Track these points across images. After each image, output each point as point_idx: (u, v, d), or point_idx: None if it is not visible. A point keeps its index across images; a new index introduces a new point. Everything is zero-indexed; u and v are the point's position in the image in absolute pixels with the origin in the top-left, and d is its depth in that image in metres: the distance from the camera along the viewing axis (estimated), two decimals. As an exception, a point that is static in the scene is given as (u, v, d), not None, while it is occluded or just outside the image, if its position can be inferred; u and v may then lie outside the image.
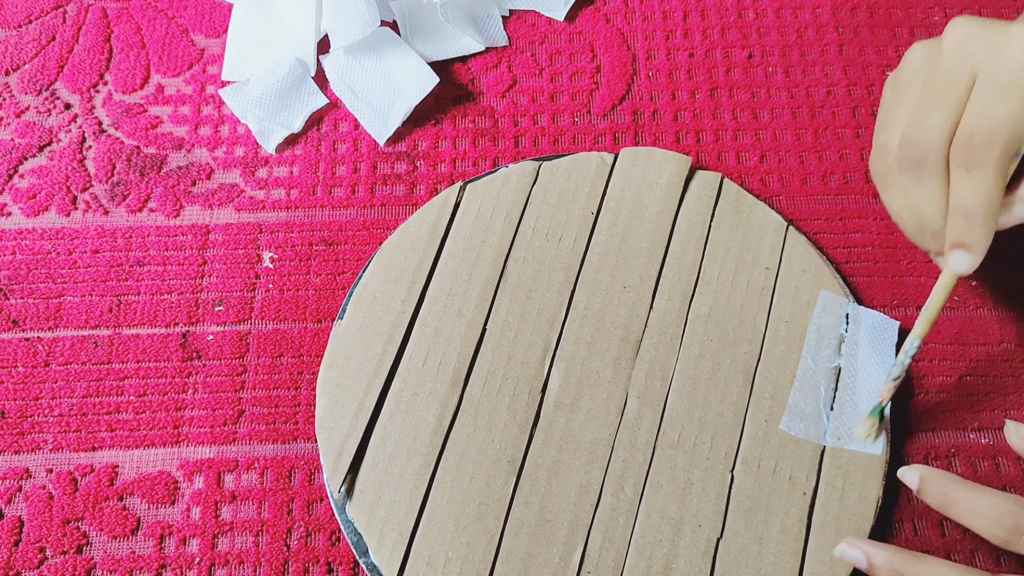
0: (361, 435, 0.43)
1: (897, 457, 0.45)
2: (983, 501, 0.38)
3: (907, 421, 0.46)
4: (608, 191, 0.49)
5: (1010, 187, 0.37)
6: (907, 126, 0.37)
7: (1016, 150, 0.35)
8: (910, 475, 0.41)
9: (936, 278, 0.41)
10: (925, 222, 0.38)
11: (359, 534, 0.41)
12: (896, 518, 0.44)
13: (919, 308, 0.48)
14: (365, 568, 0.41)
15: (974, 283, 0.49)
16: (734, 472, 0.43)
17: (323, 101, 0.53)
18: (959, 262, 0.37)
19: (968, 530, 0.43)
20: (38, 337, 0.47)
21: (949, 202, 0.37)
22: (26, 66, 0.54)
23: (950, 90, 0.35)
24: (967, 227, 0.36)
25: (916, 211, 0.38)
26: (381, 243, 0.48)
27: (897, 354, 0.44)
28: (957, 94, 0.35)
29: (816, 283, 0.47)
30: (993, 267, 0.50)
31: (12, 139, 0.52)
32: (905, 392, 0.46)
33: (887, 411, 0.44)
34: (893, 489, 0.44)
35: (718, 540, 0.42)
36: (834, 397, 0.45)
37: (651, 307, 0.47)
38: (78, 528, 0.43)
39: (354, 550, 0.41)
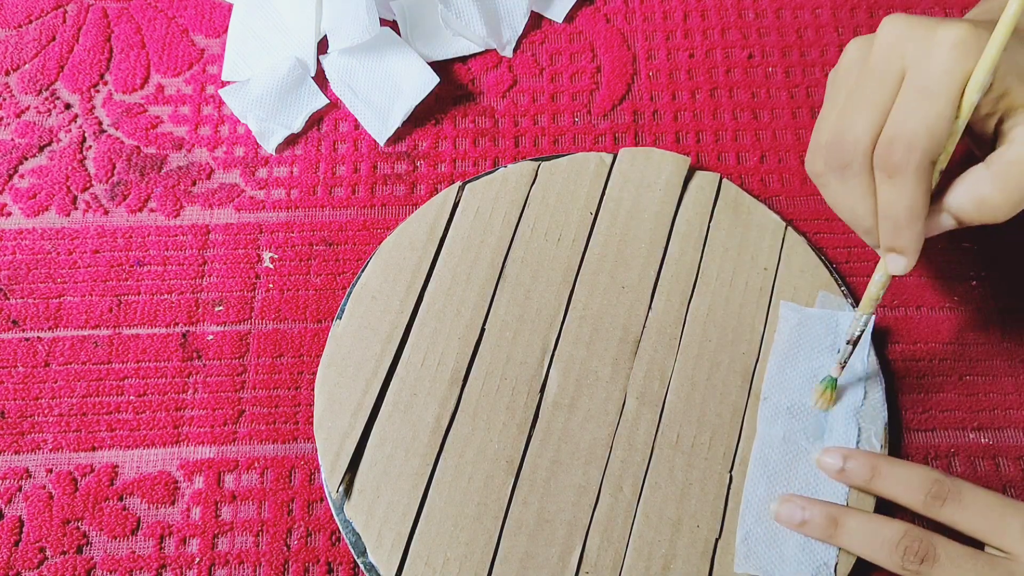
0: (359, 435, 0.43)
1: (896, 456, 0.45)
2: (905, 470, 0.40)
3: (907, 421, 0.46)
4: (607, 191, 0.49)
5: (936, 197, 0.36)
6: (834, 127, 0.36)
7: (939, 155, 0.34)
8: (828, 459, 0.42)
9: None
10: (857, 221, 0.38)
11: (357, 534, 0.42)
12: (896, 519, 0.44)
13: (919, 308, 0.49)
14: (363, 568, 0.41)
15: (974, 283, 0.49)
16: (732, 472, 0.43)
17: (323, 101, 0.53)
18: (895, 264, 0.37)
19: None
20: (38, 337, 0.47)
21: (877, 205, 0.37)
22: (26, 66, 0.54)
23: (877, 91, 0.35)
24: (895, 232, 0.36)
25: (848, 210, 0.38)
26: (381, 243, 0.48)
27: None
28: (884, 96, 0.35)
29: (815, 283, 0.47)
30: (993, 267, 0.50)
31: (12, 139, 0.52)
32: (905, 392, 0.46)
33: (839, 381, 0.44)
34: (892, 489, 0.44)
35: (716, 540, 0.42)
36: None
37: (650, 307, 0.47)
38: (78, 528, 0.43)
39: (352, 550, 0.41)
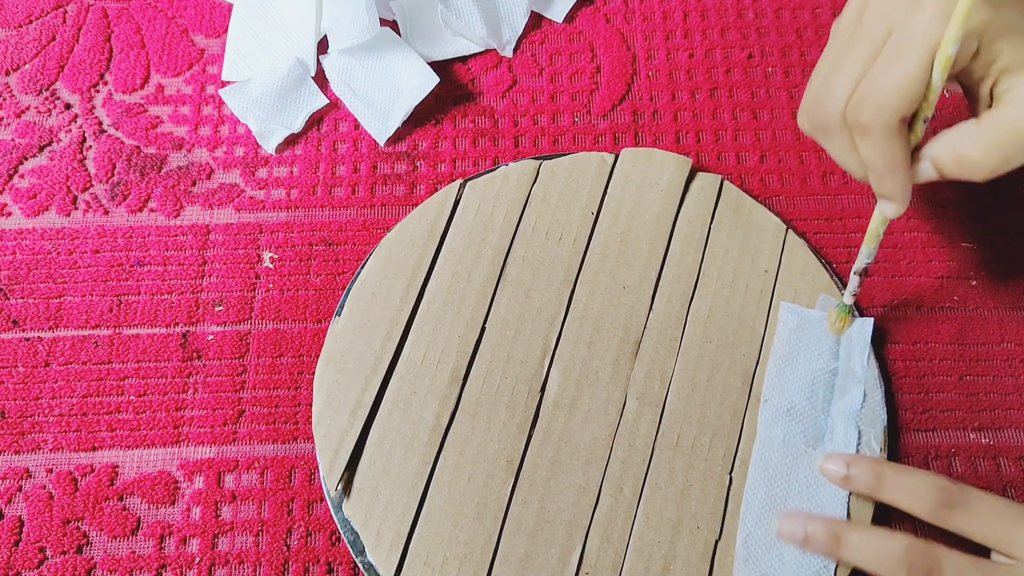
0: (359, 433, 0.43)
1: (897, 457, 0.45)
2: (912, 478, 0.39)
3: (907, 422, 0.46)
4: (608, 191, 0.49)
5: (923, 146, 0.37)
6: (817, 87, 0.37)
7: (911, 111, 0.35)
8: (832, 466, 0.42)
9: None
10: (849, 171, 0.39)
11: (356, 533, 0.41)
12: (896, 517, 0.44)
13: (919, 308, 0.49)
14: (362, 567, 0.41)
15: (974, 283, 0.49)
16: (732, 474, 0.43)
17: (323, 101, 0.53)
18: (887, 209, 0.38)
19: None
20: (38, 337, 0.47)
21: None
22: (26, 66, 0.54)
23: (859, 53, 0.35)
24: (880, 182, 0.37)
25: (839, 162, 0.39)
26: (381, 241, 0.48)
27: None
28: (864, 58, 0.35)
29: (815, 286, 0.47)
30: (993, 267, 0.50)
31: (12, 139, 0.52)
32: (905, 392, 0.46)
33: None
34: (892, 489, 0.44)
35: (716, 542, 0.42)
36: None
37: (651, 308, 0.47)
38: (78, 528, 0.43)
39: (351, 549, 0.41)
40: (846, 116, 0.36)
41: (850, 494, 0.42)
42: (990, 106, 0.36)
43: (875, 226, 0.41)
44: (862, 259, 0.43)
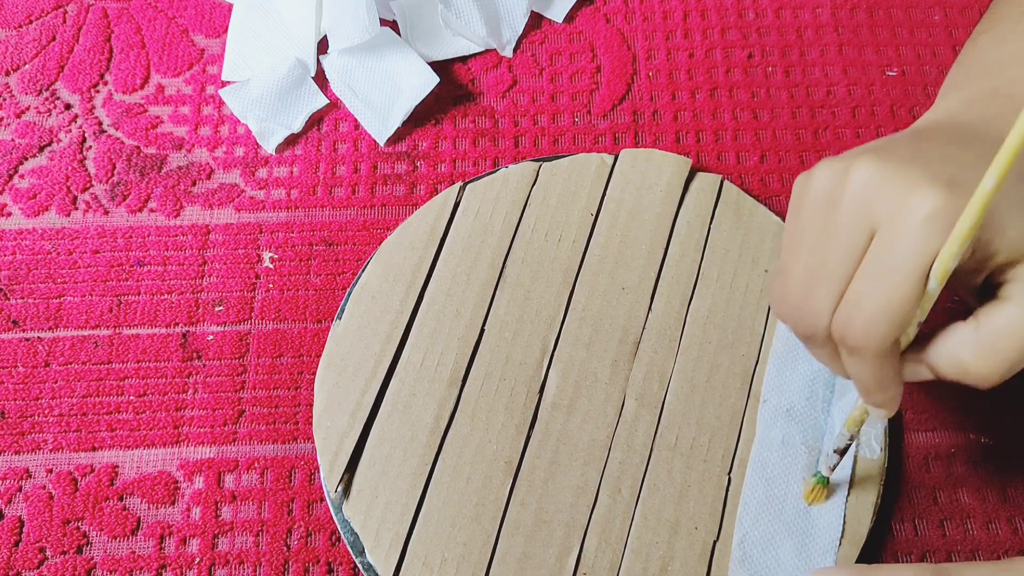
0: (358, 434, 0.43)
1: (897, 457, 0.45)
2: (897, 574, 0.36)
3: (907, 421, 0.46)
4: (608, 192, 0.49)
5: (918, 344, 0.33)
6: (800, 288, 0.33)
7: (903, 331, 0.31)
8: None
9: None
10: (836, 372, 0.35)
11: (355, 533, 0.42)
12: (896, 518, 0.44)
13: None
14: (361, 568, 0.41)
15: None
16: (731, 475, 0.43)
17: (323, 101, 0.53)
18: (875, 413, 0.35)
19: (969, 530, 0.43)
20: (38, 337, 0.47)
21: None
22: (26, 66, 0.54)
23: (842, 251, 0.31)
24: (868, 395, 0.33)
25: (823, 364, 0.35)
26: (381, 243, 0.48)
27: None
28: (849, 259, 0.31)
29: (815, 284, 0.47)
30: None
31: (12, 139, 0.52)
32: (905, 392, 0.46)
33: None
34: (893, 490, 0.44)
35: (714, 542, 0.42)
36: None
37: (650, 309, 0.47)
38: (78, 528, 0.43)
39: (350, 550, 0.42)
40: (831, 331, 0.32)
41: (848, 496, 0.42)
42: (983, 295, 0.32)
43: (858, 414, 0.37)
44: (842, 439, 0.39)
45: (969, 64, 0.40)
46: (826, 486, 0.42)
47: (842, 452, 0.40)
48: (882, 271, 0.30)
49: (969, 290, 0.32)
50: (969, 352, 0.31)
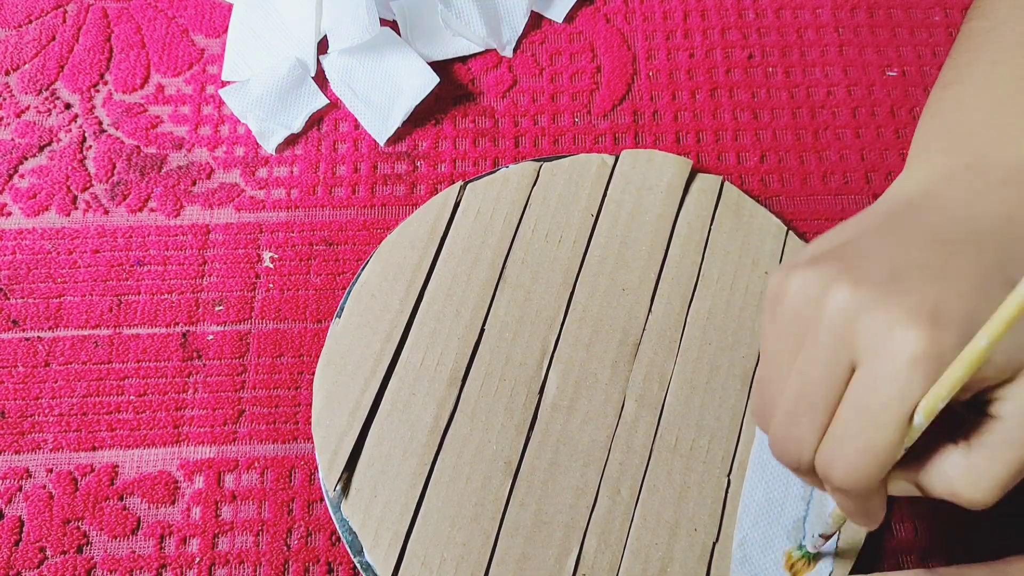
0: (357, 434, 0.43)
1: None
2: None
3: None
4: (608, 193, 0.49)
5: (909, 460, 0.31)
6: (782, 420, 0.31)
7: (887, 469, 0.29)
8: None
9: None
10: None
11: (354, 533, 0.42)
12: (896, 519, 0.44)
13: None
14: (360, 568, 0.41)
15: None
16: (731, 476, 0.43)
17: (323, 101, 0.53)
18: (862, 528, 0.34)
19: (969, 530, 0.43)
20: (38, 337, 0.47)
21: None
22: (26, 66, 0.54)
23: (823, 380, 0.30)
24: (852, 518, 0.32)
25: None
26: (381, 243, 0.48)
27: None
28: (831, 393, 0.29)
29: (815, 285, 0.47)
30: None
31: (12, 139, 0.52)
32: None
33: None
34: (891, 491, 0.44)
35: (714, 544, 0.42)
36: None
37: (650, 310, 0.47)
38: (78, 528, 0.43)
39: (349, 549, 0.42)
40: (815, 465, 0.31)
41: None
42: (972, 407, 0.30)
43: (841, 514, 0.36)
44: (830, 528, 0.38)
45: (942, 120, 0.38)
46: (811, 561, 0.40)
47: (827, 537, 0.39)
48: (865, 414, 0.28)
49: (952, 412, 0.30)
50: (960, 476, 0.30)
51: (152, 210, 0.50)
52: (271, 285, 0.49)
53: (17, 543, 0.43)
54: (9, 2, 0.56)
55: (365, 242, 0.50)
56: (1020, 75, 0.37)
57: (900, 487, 0.31)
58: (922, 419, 0.28)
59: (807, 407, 0.30)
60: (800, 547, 0.41)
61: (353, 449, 0.43)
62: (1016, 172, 0.33)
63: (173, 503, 0.44)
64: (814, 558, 0.41)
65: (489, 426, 0.44)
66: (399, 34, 0.55)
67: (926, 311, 0.27)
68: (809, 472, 0.31)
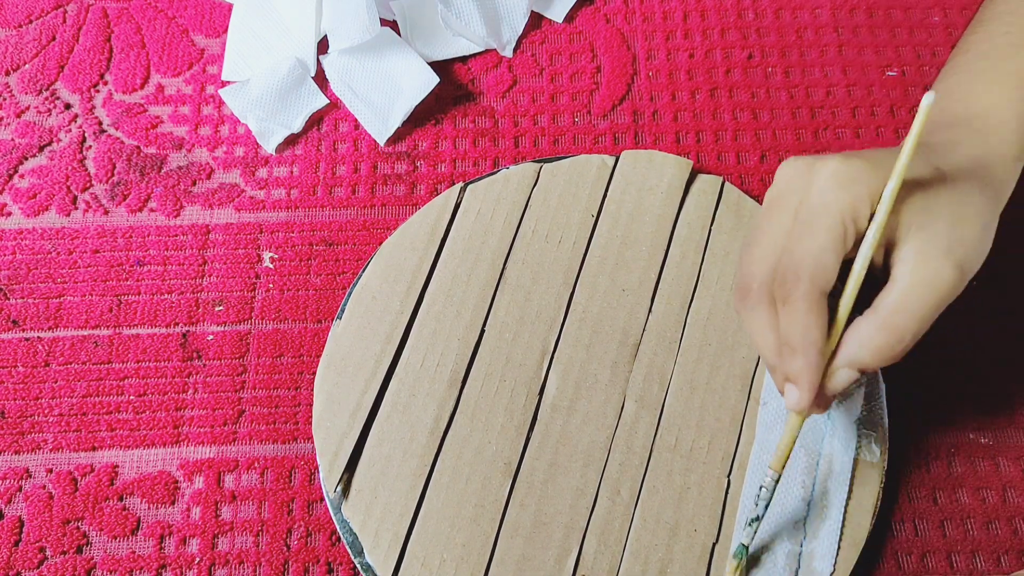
0: (358, 435, 0.43)
1: (897, 457, 0.45)
2: None
3: (907, 421, 0.46)
4: (608, 194, 0.49)
5: (833, 355, 0.36)
6: (743, 262, 0.37)
7: (829, 283, 0.34)
8: None
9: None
10: (764, 356, 0.37)
11: (354, 533, 0.42)
12: (896, 519, 0.44)
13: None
14: (360, 568, 0.41)
15: (975, 283, 0.49)
16: (730, 477, 0.43)
17: (323, 101, 0.53)
18: (790, 398, 0.36)
19: (969, 530, 0.43)
20: (38, 337, 0.47)
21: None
22: (26, 66, 0.54)
23: (773, 229, 0.36)
24: (791, 359, 0.35)
25: (757, 344, 0.37)
26: (381, 243, 0.49)
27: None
28: (778, 233, 0.36)
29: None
30: (993, 267, 0.49)
31: (12, 139, 0.52)
32: (905, 392, 0.46)
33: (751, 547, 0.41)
34: (892, 490, 0.44)
35: (713, 545, 0.42)
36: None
37: (650, 310, 0.47)
38: (78, 528, 0.43)
39: (349, 550, 0.42)
40: (772, 287, 0.36)
41: (848, 497, 0.42)
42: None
43: (787, 440, 0.38)
44: (765, 493, 0.39)
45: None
46: (745, 556, 0.40)
47: (756, 520, 0.39)
48: (803, 227, 0.35)
49: (876, 269, 0.36)
50: (874, 334, 0.34)
51: (152, 210, 0.50)
52: (271, 285, 0.49)
53: (17, 543, 0.43)
54: (9, 2, 0.56)
55: (365, 242, 0.50)
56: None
57: (838, 376, 0.36)
58: (861, 262, 0.35)
59: (762, 241, 0.36)
60: (736, 555, 0.40)
61: (354, 450, 0.43)
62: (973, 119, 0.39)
63: (173, 503, 0.44)
64: (748, 559, 0.41)
65: (489, 427, 0.44)
66: (399, 34, 0.55)
67: (842, 154, 0.35)
68: (758, 301, 0.36)
